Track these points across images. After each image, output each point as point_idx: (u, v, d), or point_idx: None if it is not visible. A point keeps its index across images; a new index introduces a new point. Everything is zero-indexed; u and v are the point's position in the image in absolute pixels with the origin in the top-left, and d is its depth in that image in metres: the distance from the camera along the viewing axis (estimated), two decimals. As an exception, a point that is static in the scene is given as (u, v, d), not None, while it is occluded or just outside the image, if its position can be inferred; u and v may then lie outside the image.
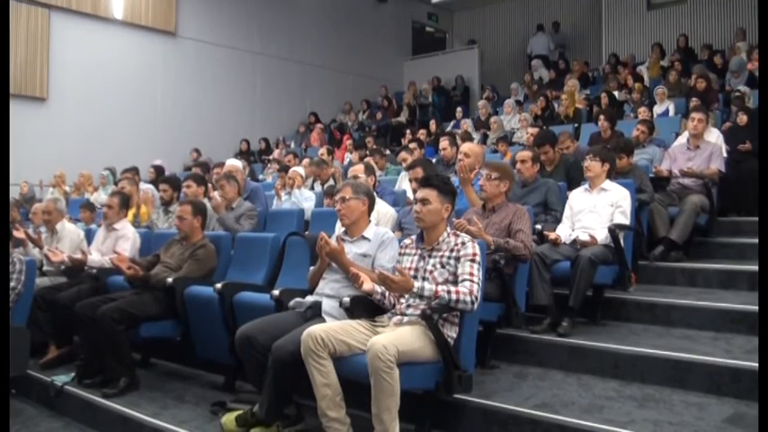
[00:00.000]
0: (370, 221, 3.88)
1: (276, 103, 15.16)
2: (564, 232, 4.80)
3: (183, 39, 13.80)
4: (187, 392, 4.35)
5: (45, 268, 5.73)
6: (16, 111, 11.24)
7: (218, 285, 4.24)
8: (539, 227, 4.77)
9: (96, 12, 12.53)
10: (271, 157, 11.36)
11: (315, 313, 3.57)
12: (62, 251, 5.65)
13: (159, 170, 9.43)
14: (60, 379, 4.71)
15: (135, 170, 8.63)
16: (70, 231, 6.10)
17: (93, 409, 4.29)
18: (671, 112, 9.24)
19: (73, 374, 4.71)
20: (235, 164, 7.05)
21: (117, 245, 5.57)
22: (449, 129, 11.48)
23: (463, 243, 3.33)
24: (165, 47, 13.53)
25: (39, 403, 4.81)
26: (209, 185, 6.74)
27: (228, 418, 3.49)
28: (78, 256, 5.57)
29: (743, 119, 7.43)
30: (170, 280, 4.52)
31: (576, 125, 9.48)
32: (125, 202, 5.94)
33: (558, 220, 5.02)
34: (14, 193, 9.06)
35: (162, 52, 13.48)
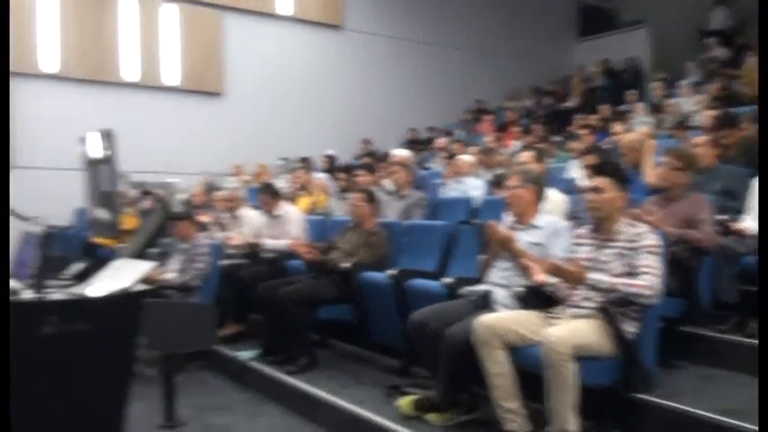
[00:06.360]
0: (539, 210, 3.83)
1: (440, 91, 15.17)
2: (750, 223, 4.47)
3: (349, 31, 14.14)
4: (363, 374, 4.50)
5: (227, 251, 6.15)
6: (195, 106, 12.19)
7: (392, 272, 4.36)
8: (722, 217, 4.47)
9: (265, 10, 13.11)
10: (437, 146, 11.42)
11: (486, 302, 3.58)
12: (243, 235, 6.06)
13: (332, 159, 9.80)
14: (245, 355, 5.06)
15: (308, 160, 9.02)
16: (251, 217, 6.50)
17: (276, 384, 4.57)
18: None
19: (256, 351, 5.03)
20: (404, 154, 7.18)
21: (286, 230, 5.88)
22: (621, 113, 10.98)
23: (641, 234, 3.20)
24: (331, 40, 13.92)
25: (224, 375, 5.19)
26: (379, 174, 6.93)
27: (405, 401, 3.58)
28: (255, 240, 5.94)
29: None
30: (346, 265, 4.69)
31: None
32: (273, 192, 6.21)
33: (741, 210, 4.69)
34: (198, 182, 9.76)
35: (329, 46, 13.88)
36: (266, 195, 6.10)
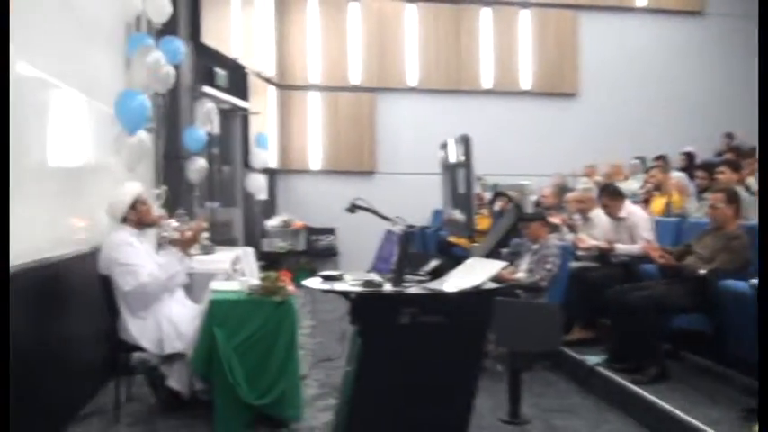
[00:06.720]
0: None
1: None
2: None
3: (711, 16, 13.13)
4: (718, 392, 4.22)
5: (578, 253, 6.12)
6: (549, 108, 12.44)
7: (754, 281, 3.97)
8: None
9: (621, 4, 12.86)
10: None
11: None
12: (593, 237, 5.97)
13: (690, 157, 9.22)
14: (592, 360, 5.02)
15: (664, 158, 8.58)
16: (602, 219, 6.37)
17: (622, 392, 4.47)
18: None
19: (603, 356, 4.96)
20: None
21: (632, 233, 5.65)
22: None
23: None
24: (690, 27, 13.11)
25: (569, 378, 5.22)
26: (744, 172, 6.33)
27: (764, 429, 3.24)
28: (607, 246, 5.80)
29: None
30: (702, 271, 4.42)
31: None
32: (614, 193, 5.95)
33: None
34: (549, 183, 9.86)
35: (688, 34, 13.09)
36: (606, 196, 5.92)
